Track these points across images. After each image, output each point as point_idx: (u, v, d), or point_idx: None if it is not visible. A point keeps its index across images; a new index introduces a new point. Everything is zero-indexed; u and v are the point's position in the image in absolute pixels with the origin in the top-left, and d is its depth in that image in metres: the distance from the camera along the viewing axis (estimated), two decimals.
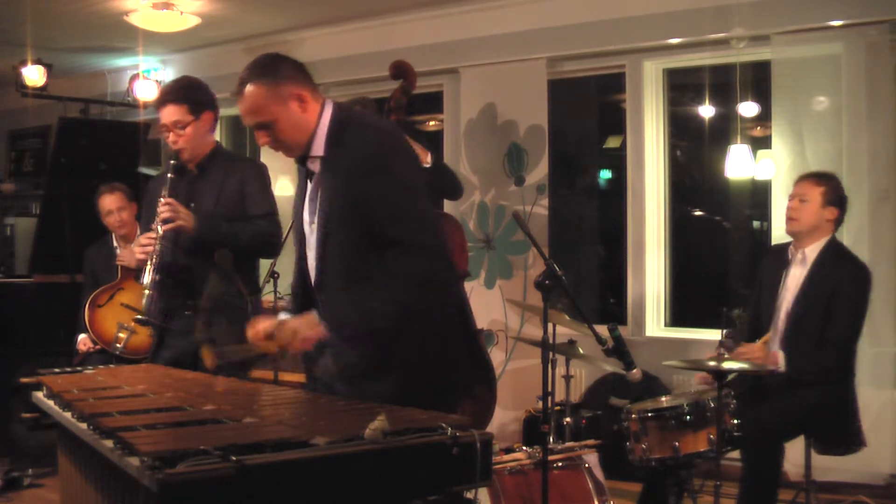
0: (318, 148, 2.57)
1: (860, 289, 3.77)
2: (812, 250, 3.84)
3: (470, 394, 2.70)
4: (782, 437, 3.69)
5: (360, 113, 2.70)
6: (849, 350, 3.76)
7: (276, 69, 2.54)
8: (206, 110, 3.52)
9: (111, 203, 4.95)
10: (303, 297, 2.71)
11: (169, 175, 3.49)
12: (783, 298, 3.86)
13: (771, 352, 3.78)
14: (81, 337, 4.92)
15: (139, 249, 3.44)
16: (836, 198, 3.85)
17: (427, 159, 4.34)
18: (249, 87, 2.52)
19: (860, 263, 3.84)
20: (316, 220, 2.60)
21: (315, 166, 2.60)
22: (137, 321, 3.53)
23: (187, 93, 3.51)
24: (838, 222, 3.89)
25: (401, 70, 4.55)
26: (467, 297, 2.83)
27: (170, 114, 3.46)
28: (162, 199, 3.39)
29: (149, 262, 3.40)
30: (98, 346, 4.79)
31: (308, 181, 2.66)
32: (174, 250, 3.45)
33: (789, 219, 3.88)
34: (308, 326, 2.49)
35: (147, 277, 3.41)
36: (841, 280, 3.73)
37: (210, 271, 3.23)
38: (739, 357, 3.67)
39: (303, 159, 2.62)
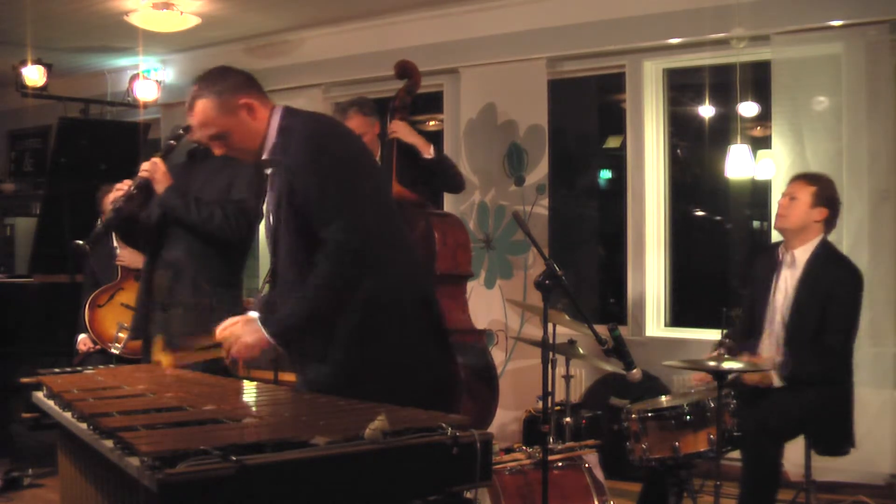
0: (268, 151, 2.68)
1: (853, 292, 3.76)
2: (802, 252, 3.83)
3: (432, 392, 2.77)
4: (782, 437, 3.69)
5: (303, 114, 2.77)
6: (846, 352, 3.76)
7: (223, 82, 2.64)
8: None
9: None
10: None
11: (170, 141, 3.60)
12: (776, 301, 3.85)
13: (768, 355, 3.79)
14: (81, 337, 4.92)
15: (114, 191, 3.56)
16: (827, 199, 3.84)
17: (430, 151, 4.38)
18: (199, 102, 2.63)
19: (851, 266, 3.83)
20: (271, 220, 2.72)
21: (267, 168, 2.71)
22: (74, 246, 3.57)
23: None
24: (829, 224, 3.87)
25: (406, 70, 4.56)
26: (435, 296, 2.88)
27: None
28: (152, 158, 3.52)
29: (114, 203, 3.51)
30: (98, 347, 4.79)
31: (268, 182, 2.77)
32: (142, 202, 3.56)
33: (778, 215, 3.90)
34: (248, 332, 2.58)
35: (112, 207, 3.51)
36: (834, 284, 3.72)
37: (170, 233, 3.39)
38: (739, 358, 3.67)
39: (258, 164, 2.75)
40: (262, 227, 3.49)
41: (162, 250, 3.61)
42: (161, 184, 3.52)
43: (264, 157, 2.68)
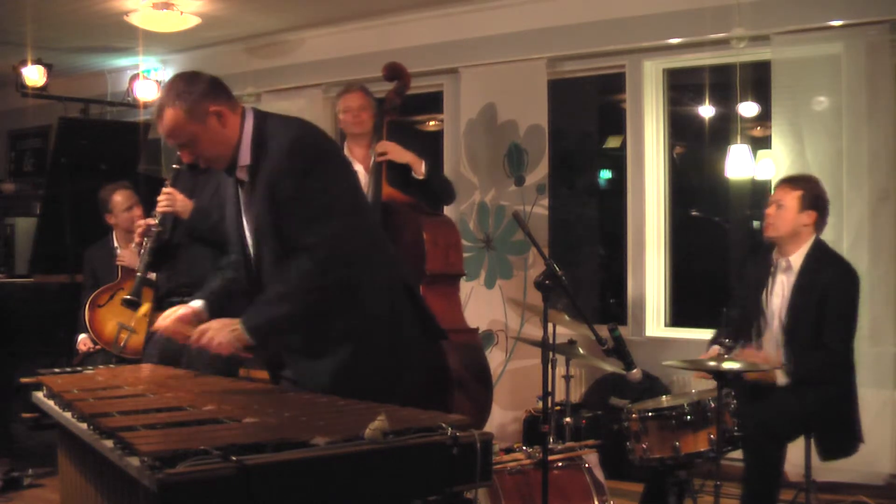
0: (245, 157, 2.65)
1: (849, 290, 3.75)
2: (796, 257, 3.81)
3: (422, 388, 2.82)
4: (784, 437, 3.69)
5: (278, 118, 2.75)
6: (846, 351, 3.75)
7: (191, 91, 2.59)
8: None
9: (125, 199, 4.99)
10: (247, 297, 2.79)
11: (174, 165, 3.58)
12: (773, 305, 3.85)
13: (770, 354, 3.79)
14: (82, 337, 4.92)
15: (136, 233, 3.55)
16: (813, 201, 3.82)
17: (421, 170, 4.32)
18: (167, 111, 2.59)
19: (846, 265, 3.82)
20: (251, 228, 2.70)
21: (244, 175, 2.68)
22: (125, 301, 3.58)
23: None
24: (820, 224, 3.86)
25: (395, 71, 4.54)
26: (418, 291, 2.91)
27: None
28: (163, 189, 3.50)
29: (142, 246, 3.49)
30: (98, 347, 4.79)
31: (240, 190, 2.74)
32: (171, 234, 3.55)
33: (767, 225, 3.87)
34: (225, 332, 2.57)
35: (141, 259, 3.50)
36: (830, 284, 3.71)
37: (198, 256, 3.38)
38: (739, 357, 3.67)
39: (230, 170, 2.70)
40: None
41: (185, 269, 3.61)
42: (184, 212, 3.51)
43: (241, 163, 2.65)
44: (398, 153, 4.32)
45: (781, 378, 3.68)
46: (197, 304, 2.81)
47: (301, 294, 2.56)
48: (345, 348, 2.64)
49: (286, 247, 2.60)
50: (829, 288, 3.70)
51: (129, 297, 3.60)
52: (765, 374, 3.71)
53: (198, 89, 2.60)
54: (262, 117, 2.69)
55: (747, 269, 4.09)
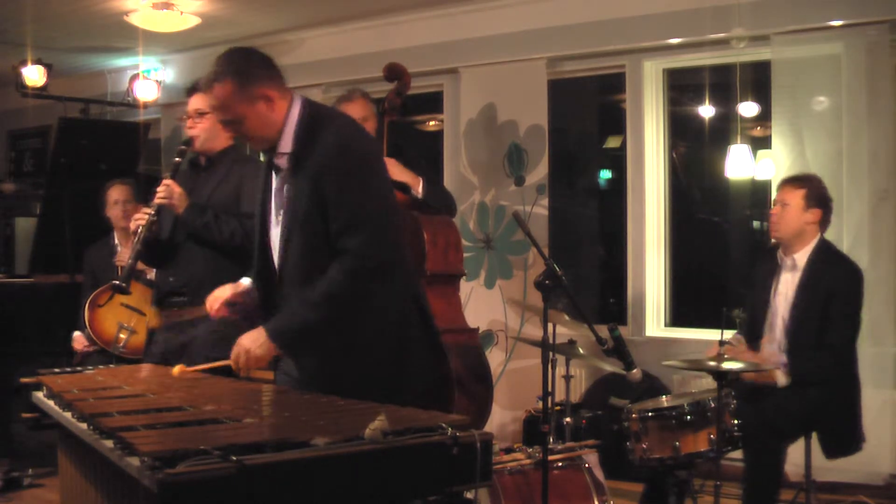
0: (287, 144, 2.61)
1: (854, 290, 3.76)
2: (801, 256, 3.82)
3: (425, 391, 2.82)
4: (785, 437, 3.69)
5: (327, 109, 2.73)
6: (848, 351, 3.75)
7: (246, 68, 2.56)
8: None
9: (118, 194, 5.02)
10: (264, 290, 2.76)
11: (176, 158, 3.57)
12: (778, 305, 3.85)
13: (770, 354, 3.79)
14: (76, 334, 4.91)
15: (133, 221, 3.54)
16: (818, 199, 3.83)
17: (419, 189, 4.29)
18: (218, 85, 2.55)
19: (851, 264, 3.83)
20: (282, 216, 2.65)
21: (282, 162, 2.64)
22: (113, 287, 3.56)
23: None
24: (824, 223, 3.87)
25: (395, 72, 4.54)
26: (427, 300, 2.89)
27: (195, 101, 3.55)
28: (163, 180, 3.50)
29: (136, 234, 3.49)
30: (95, 348, 4.78)
31: (274, 174, 2.70)
32: (162, 227, 3.55)
33: (772, 225, 3.89)
34: (258, 346, 2.56)
35: (132, 248, 3.50)
36: (835, 283, 3.72)
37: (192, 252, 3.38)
38: (739, 357, 3.67)
39: (269, 153, 2.66)
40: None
41: (179, 265, 3.59)
42: (180, 206, 3.50)
43: (281, 150, 2.61)
44: (395, 172, 4.28)
45: (782, 379, 3.68)
46: (245, 281, 2.79)
47: (332, 299, 2.52)
48: (351, 354, 2.60)
49: (321, 243, 2.55)
50: (834, 287, 3.71)
51: (117, 282, 3.60)
52: (763, 376, 3.71)
53: (253, 69, 2.56)
54: (310, 106, 2.64)
55: (756, 271, 4.10)
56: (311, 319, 2.53)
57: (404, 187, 4.31)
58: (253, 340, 2.57)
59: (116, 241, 5.08)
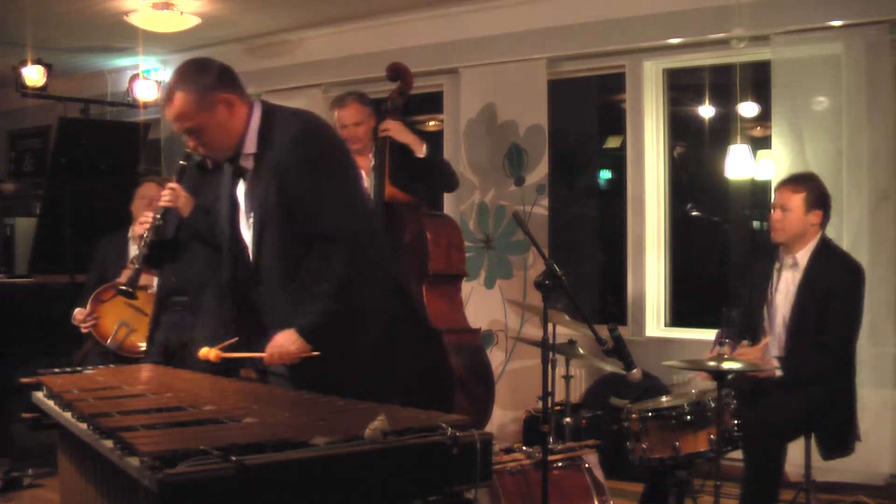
0: (251, 146, 2.68)
1: (855, 288, 3.75)
2: (803, 255, 3.82)
3: (412, 379, 2.87)
4: (785, 437, 3.69)
5: (286, 110, 2.78)
6: (848, 350, 3.75)
7: (203, 77, 2.62)
8: None
9: (149, 191, 4.94)
10: (239, 292, 2.85)
11: (181, 162, 3.58)
12: (778, 303, 3.85)
13: (767, 355, 3.79)
14: (77, 310, 4.86)
15: (138, 225, 3.55)
16: (818, 200, 3.82)
17: (422, 150, 4.35)
18: (178, 95, 2.61)
19: (852, 263, 3.82)
20: (252, 217, 2.72)
21: (248, 163, 2.71)
22: (119, 290, 3.57)
23: None
24: (825, 222, 3.87)
25: (397, 72, 4.54)
26: (414, 290, 2.98)
27: None
28: (168, 183, 3.51)
29: (142, 238, 3.49)
30: (91, 324, 4.74)
31: (242, 179, 2.78)
32: (175, 234, 3.55)
33: (773, 229, 3.88)
34: (290, 341, 2.65)
35: (138, 251, 3.50)
36: (835, 281, 3.72)
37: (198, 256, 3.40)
38: (737, 357, 3.67)
39: (233, 159, 2.73)
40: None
41: (182, 266, 3.61)
42: (186, 208, 3.52)
43: (246, 151, 2.68)
44: (400, 132, 4.35)
45: (779, 371, 3.68)
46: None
47: (344, 285, 2.61)
48: (341, 339, 2.67)
49: (298, 236, 2.62)
50: (835, 284, 3.71)
51: (123, 286, 3.60)
52: (762, 360, 3.71)
53: (210, 76, 2.62)
54: (270, 109, 2.72)
55: (755, 270, 4.09)
56: (334, 310, 2.62)
57: (406, 149, 4.34)
58: (287, 338, 2.66)
59: (130, 236, 5.05)
